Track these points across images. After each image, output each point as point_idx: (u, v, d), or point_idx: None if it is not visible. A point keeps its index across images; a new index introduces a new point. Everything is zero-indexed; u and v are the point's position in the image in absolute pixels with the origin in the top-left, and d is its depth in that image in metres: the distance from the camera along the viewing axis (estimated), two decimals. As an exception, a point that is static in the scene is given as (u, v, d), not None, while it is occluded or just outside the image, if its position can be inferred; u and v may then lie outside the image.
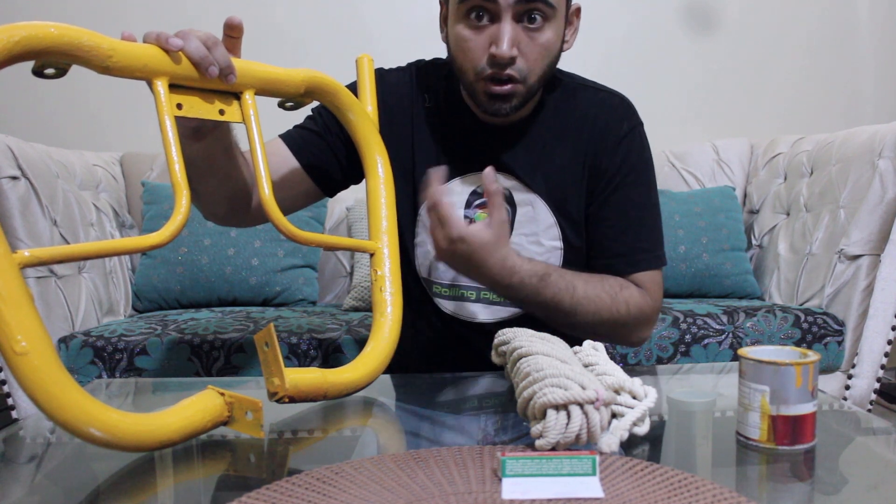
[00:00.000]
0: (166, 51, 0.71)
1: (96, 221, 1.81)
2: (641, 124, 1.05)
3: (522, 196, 1.02)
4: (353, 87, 1.01)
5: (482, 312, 1.04)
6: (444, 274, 1.04)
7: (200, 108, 0.76)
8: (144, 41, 0.72)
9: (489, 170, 0.88)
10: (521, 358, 0.74)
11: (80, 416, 0.57)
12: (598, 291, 0.96)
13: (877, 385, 1.73)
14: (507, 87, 0.92)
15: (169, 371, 1.48)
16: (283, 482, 0.57)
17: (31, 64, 0.65)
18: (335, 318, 1.66)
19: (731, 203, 2.05)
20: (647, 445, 0.67)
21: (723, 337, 1.64)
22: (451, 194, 1.03)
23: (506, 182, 1.02)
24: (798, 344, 1.66)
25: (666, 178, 2.21)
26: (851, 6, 2.45)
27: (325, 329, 1.55)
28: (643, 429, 0.67)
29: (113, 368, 1.48)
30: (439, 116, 1.04)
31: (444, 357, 1.07)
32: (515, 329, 0.85)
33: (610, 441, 0.62)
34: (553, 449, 0.61)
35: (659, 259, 1.03)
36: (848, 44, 2.46)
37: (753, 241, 2.10)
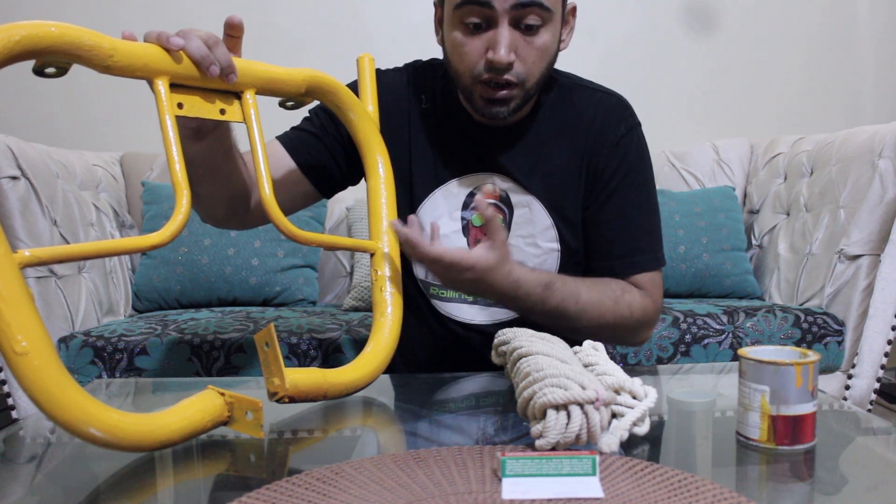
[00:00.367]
0: (167, 50, 0.71)
1: (96, 221, 1.81)
2: (639, 124, 1.05)
3: (519, 198, 1.02)
4: (353, 87, 1.01)
5: (479, 314, 1.04)
6: None
7: (201, 108, 0.76)
8: (145, 40, 0.71)
9: (480, 197, 0.88)
10: (521, 358, 0.74)
11: (80, 416, 0.57)
12: (600, 297, 0.96)
13: (877, 385, 1.73)
14: (505, 91, 0.92)
15: (169, 371, 1.48)
16: (283, 482, 0.57)
17: (31, 63, 0.65)
18: (335, 318, 1.66)
19: (731, 203, 2.05)
20: (647, 445, 0.67)
21: (723, 337, 1.64)
22: (448, 197, 1.03)
23: (502, 184, 1.02)
24: (798, 344, 1.66)
25: (666, 178, 2.21)
26: (851, 6, 2.45)
27: (325, 329, 1.55)
28: (643, 429, 0.67)
29: (113, 368, 1.48)
30: (436, 117, 1.04)
31: (443, 358, 1.07)
32: (515, 329, 0.85)
33: (610, 441, 0.62)
34: (553, 449, 0.61)
35: (658, 260, 1.03)
36: (848, 44, 2.46)
37: (753, 241, 2.10)
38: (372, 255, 0.93)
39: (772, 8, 2.43)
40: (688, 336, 1.62)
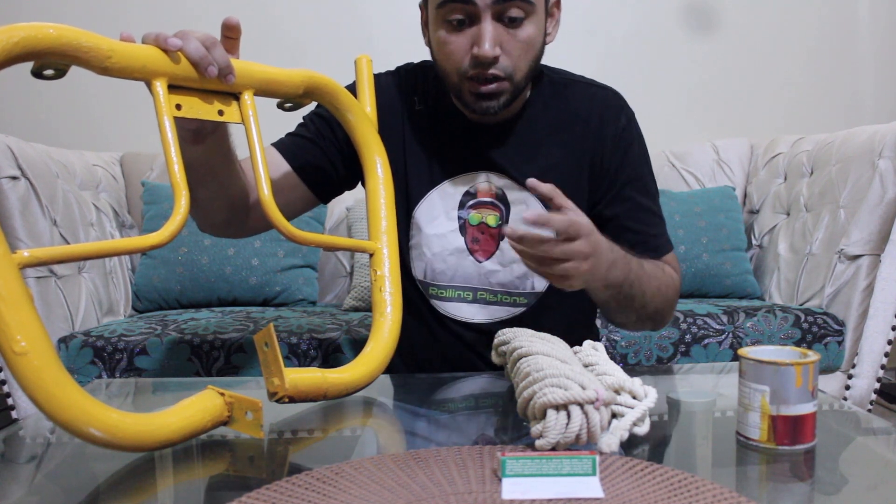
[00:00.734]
0: (165, 51, 0.71)
1: (96, 221, 1.81)
2: (634, 114, 1.06)
3: (516, 195, 1.02)
4: (351, 89, 1.01)
5: (479, 313, 1.05)
6: (441, 276, 1.04)
7: (199, 109, 0.76)
8: (143, 42, 0.71)
9: (529, 213, 0.76)
10: (521, 358, 0.74)
11: (80, 416, 0.57)
12: (659, 275, 0.97)
13: (877, 385, 1.73)
14: (493, 85, 0.92)
15: (169, 371, 1.48)
16: (283, 482, 0.57)
17: (31, 64, 0.65)
18: (335, 319, 1.66)
19: (731, 203, 2.05)
20: (647, 445, 0.67)
21: (723, 337, 1.64)
22: (444, 197, 1.03)
23: (498, 181, 1.02)
24: (798, 344, 1.66)
25: (666, 178, 2.21)
26: (851, 6, 2.45)
27: (325, 329, 1.55)
28: (643, 429, 0.67)
29: (113, 368, 1.48)
30: (429, 118, 1.04)
31: (442, 358, 1.07)
32: (515, 329, 0.85)
33: (610, 441, 0.62)
34: (553, 449, 0.61)
35: (669, 242, 1.06)
36: (848, 44, 2.46)
37: (753, 241, 2.10)
38: (371, 255, 0.93)
39: (772, 8, 2.43)
40: (688, 336, 1.62)
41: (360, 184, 1.08)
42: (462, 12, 0.90)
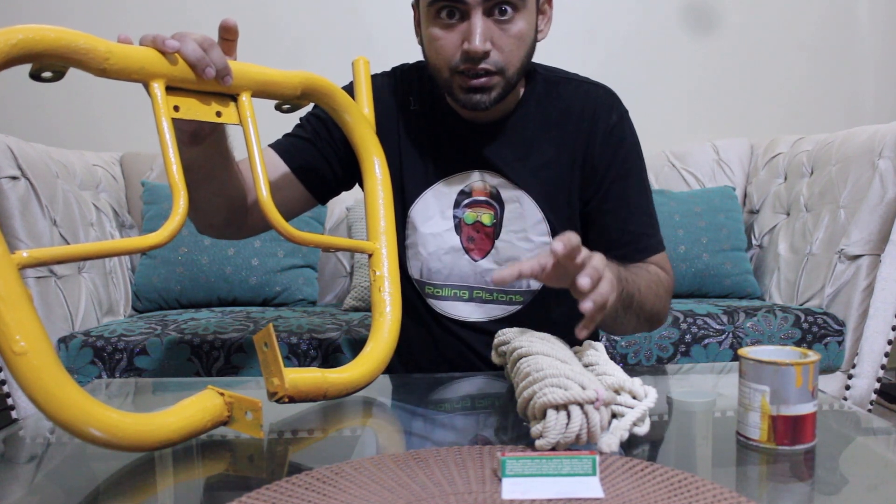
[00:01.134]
0: (163, 53, 0.71)
1: (96, 221, 1.81)
2: (627, 111, 1.06)
3: (510, 193, 1.02)
4: (348, 89, 1.01)
5: (475, 311, 1.05)
6: (436, 275, 1.04)
7: (197, 110, 0.76)
8: (141, 44, 0.72)
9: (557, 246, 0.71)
10: (521, 358, 0.74)
11: (79, 416, 0.57)
12: (646, 277, 0.96)
13: (877, 385, 1.73)
14: (483, 79, 0.92)
15: (169, 371, 1.48)
16: (283, 482, 0.57)
17: (30, 65, 0.65)
18: (335, 319, 1.66)
19: (731, 203, 2.05)
20: (647, 445, 0.67)
21: (723, 337, 1.64)
22: (438, 196, 1.03)
23: (492, 180, 1.02)
24: (798, 344, 1.66)
25: (666, 178, 2.21)
26: (851, 6, 2.45)
27: (325, 329, 1.55)
28: (643, 429, 0.67)
29: (113, 368, 1.48)
30: (424, 118, 1.05)
31: (440, 357, 1.08)
32: (515, 329, 0.85)
33: (610, 441, 0.62)
34: (553, 449, 0.61)
35: (661, 243, 1.05)
36: (848, 44, 2.46)
37: (753, 241, 2.10)
38: (370, 255, 0.93)
39: (772, 8, 2.43)
40: (688, 336, 1.62)
41: (357, 184, 1.08)
42: (453, 8, 0.90)
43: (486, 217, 1.03)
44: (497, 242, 1.03)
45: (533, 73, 1.04)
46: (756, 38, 2.44)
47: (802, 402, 0.64)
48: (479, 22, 0.89)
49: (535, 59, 1.00)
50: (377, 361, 0.85)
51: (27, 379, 0.55)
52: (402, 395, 0.92)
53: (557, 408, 0.61)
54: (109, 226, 1.91)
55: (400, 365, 1.10)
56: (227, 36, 0.78)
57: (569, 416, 0.60)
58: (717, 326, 1.64)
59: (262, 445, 0.69)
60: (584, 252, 0.73)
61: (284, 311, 1.83)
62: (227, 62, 0.75)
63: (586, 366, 0.77)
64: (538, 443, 0.61)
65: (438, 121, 1.04)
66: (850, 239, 1.71)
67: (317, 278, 2.02)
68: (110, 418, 0.59)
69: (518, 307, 1.04)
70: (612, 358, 1.58)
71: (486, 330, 1.03)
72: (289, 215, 1.04)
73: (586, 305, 0.70)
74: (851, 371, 1.72)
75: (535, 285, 1.03)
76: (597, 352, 0.80)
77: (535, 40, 0.97)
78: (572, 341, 0.85)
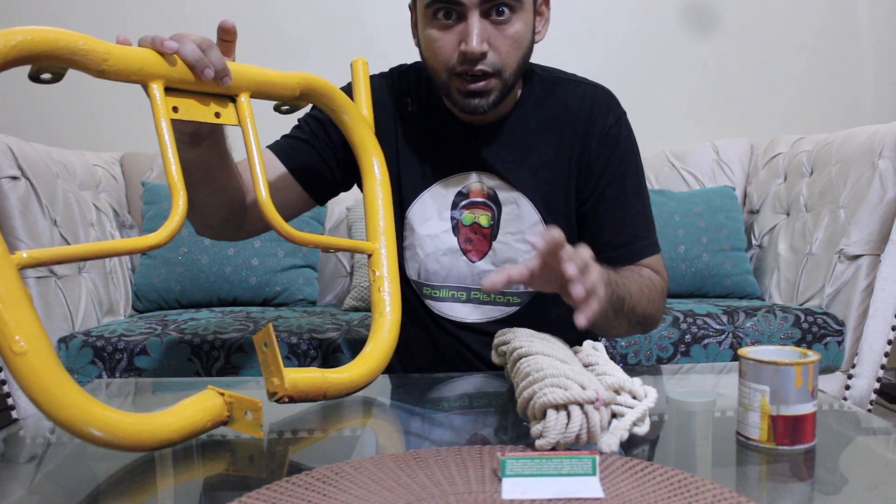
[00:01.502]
0: (161, 54, 0.71)
1: (96, 221, 1.81)
2: (625, 113, 1.05)
3: (507, 195, 1.02)
4: (346, 90, 1.01)
5: (473, 312, 1.05)
6: (434, 276, 1.04)
7: (196, 111, 0.76)
8: (140, 45, 0.72)
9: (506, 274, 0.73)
10: (521, 358, 0.74)
11: (79, 416, 0.57)
12: (637, 280, 0.96)
13: (877, 385, 1.73)
14: (482, 83, 0.92)
15: (169, 371, 1.48)
16: (283, 482, 0.57)
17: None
18: (335, 319, 1.66)
19: (731, 203, 2.05)
20: (647, 445, 0.67)
21: (723, 337, 1.64)
22: (436, 197, 1.03)
23: (489, 181, 1.02)
24: (798, 344, 1.66)
25: (666, 178, 2.21)
26: (851, 6, 2.45)
27: (325, 329, 1.55)
28: (643, 429, 0.67)
29: (113, 368, 1.48)
30: (422, 119, 1.04)
31: (439, 358, 1.08)
32: (515, 329, 0.85)
33: (610, 441, 0.62)
34: (553, 449, 0.61)
35: (656, 245, 1.05)
36: (848, 44, 2.46)
37: (753, 241, 2.10)
38: (370, 255, 0.93)
39: (772, 8, 2.43)
40: (688, 336, 1.62)
41: (355, 185, 1.08)
42: (450, 10, 0.90)
43: (483, 218, 1.03)
44: (494, 244, 1.03)
45: (530, 75, 1.04)
46: (756, 38, 2.44)
47: (802, 402, 0.64)
48: (475, 23, 0.89)
49: (535, 59, 1.00)
50: (377, 361, 0.85)
51: (27, 379, 0.55)
52: (402, 395, 0.92)
53: (557, 408, 0.61)
54: (109, 226, 1.91)
55: (399, 365, 1.10)
56: (226, 37, 0.78)
57: (569, 416, 0.60)
58: (717, 326, 1.64)
59: (262, 445, 0.69)
60: (569, 248, 0.72)
61: (284, 311, 1.83)
62: (225, 63, 0.76)
63: (586, 366, 0.77)
64: (538, 443, 0.61)
65: (436, 122, 1.04)
66: (849, 239, 1.71)
67: (317, 278, 2.02)
68: (110, 418, 0.59)
69: (516, 308, 1.04)
70: (612, 358, 1.58)
71: (485, 331, 1.03)
72: (287, 216, 1.04)
73: (576, 290, 0.69)
74: (851, 371, 1.72)
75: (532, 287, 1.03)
76: (597, 352, 0.80)
77: (533, 41, 0.97)
78: (572, 341, 0.85)
